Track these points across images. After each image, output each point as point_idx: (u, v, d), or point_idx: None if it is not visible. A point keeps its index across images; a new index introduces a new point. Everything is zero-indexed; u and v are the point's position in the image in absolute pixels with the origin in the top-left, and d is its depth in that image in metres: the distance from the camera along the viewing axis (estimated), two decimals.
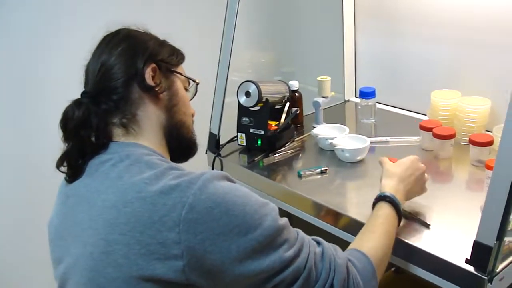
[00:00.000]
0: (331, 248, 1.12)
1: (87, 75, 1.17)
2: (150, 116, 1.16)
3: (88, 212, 1.05)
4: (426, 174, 1.43)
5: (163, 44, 1.22)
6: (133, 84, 1.14)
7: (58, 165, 1.12)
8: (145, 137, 1.15)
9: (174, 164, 1.09)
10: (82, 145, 1.11)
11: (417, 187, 1.40)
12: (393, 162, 1.42)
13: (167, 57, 1.20)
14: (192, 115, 1.28)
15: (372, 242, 1.20)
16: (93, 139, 1.11)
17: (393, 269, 2.21)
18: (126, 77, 1.13)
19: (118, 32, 1.19)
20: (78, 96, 1.14)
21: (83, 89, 1.17)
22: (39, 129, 2.01)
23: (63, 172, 1.13)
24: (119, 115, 1.13)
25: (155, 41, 1.21)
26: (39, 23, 2.05)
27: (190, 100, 1.29)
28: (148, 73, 1.14)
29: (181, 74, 1.24)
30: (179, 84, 1.23)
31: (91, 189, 1.08)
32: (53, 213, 1.18)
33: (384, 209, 1.28)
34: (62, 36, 2.10)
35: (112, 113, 1.13)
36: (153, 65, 1.15)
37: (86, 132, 1.10)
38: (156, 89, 1.15)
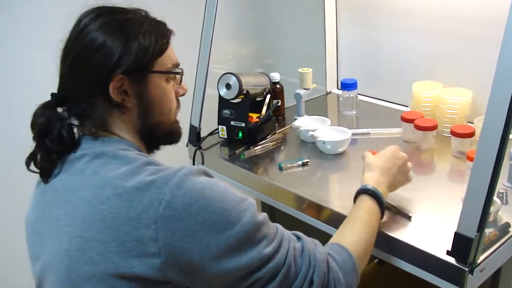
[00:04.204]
0: (311, 243, 1.11)
1: (60, 71, 1.11)
2: (122, 123, 1.11)
3: (64, 209, 1.03)
4: (409, 163, 1.42)
5: (139, 34, 1.08)
6: (98, 97, 1.08)
7: (27, 165, 1.10)
8: (119, 135, 1.11)
9: (151, 159, 1.07)
10: (47, 149, 1.08)
11: (400, 177, 1.38)
12: (374, 155, 1.41)
13: (142, 55, 1.08)
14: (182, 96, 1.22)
15: (353, 236, 1.19)
16: (58, 142, 1.07)
17: (376, 260, 2.22)
18: (91, 89, 1.07)
19: (92, 19, 1.08)
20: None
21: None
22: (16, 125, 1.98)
23: (34, 172, 1.11)
24: (88, 121, 1.10)
25: (132, 31, 1.07)
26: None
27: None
28: (112, 87, 1.06)
29: (158, 72, 1.12)
30: (155, 83, 1.12)
31: (67, 185, 1.06)
32: (29, 208, 1.16)
33: (366, 202, 1.26)
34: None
35: (81, 119, 1.10)
36: (119, 76, 1.06)
37: (49, 139, 1.07)
38: (123, 103, 1.09)
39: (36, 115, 1.09)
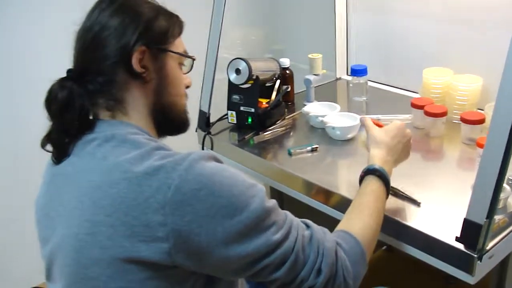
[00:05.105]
0: (320, 231, 1.10)
1: (76, 49, 1.12)
2: (137, 99, 1.12)
3: (74, 192, 1.04)
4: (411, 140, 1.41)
5: (157, 16, 1.14)
6: (119, 68, 1.09)
7: (43, 145, 1.10)
8: (132, 116, 1.12)
9: (161, 144, 1.07)
10: (65, 127, 1.08)
11: (403, 154, 1.38)
12: (379, 127, 1.40)
13: (161, 34, 1.14)
14: (186, 89, 1.24)
15: (361, 223, 1.18)
16: (77, 119, 1.07)
17: (384, 247, 2.22)
18: (112, 60, 1.08)
19: (109, 4, 1.12)
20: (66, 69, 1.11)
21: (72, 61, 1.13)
22: (27, 105, 1.99)
23: (49, 152, 1.11)
24: (105, 97, 1.10)
25: (148, 14, 1.12)
26: None
27: (186, 73, 1.24)
28: (135, 58, 1.09)
29: (175, 52, 1.17)
30: (171, 63, 1.16)
31: (77, 169, 1.06)
32: (39, 191, 1.16)
33: (373, 184, 1.25)
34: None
35: (98, 95, 1.10)
36: (142, 47, 1.09)
37: (69, 114, 1.07)
38: (144, 75, 1.11)
39: (54, 90, 1.08)
